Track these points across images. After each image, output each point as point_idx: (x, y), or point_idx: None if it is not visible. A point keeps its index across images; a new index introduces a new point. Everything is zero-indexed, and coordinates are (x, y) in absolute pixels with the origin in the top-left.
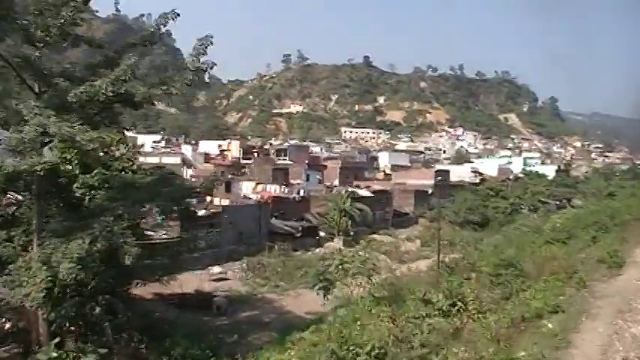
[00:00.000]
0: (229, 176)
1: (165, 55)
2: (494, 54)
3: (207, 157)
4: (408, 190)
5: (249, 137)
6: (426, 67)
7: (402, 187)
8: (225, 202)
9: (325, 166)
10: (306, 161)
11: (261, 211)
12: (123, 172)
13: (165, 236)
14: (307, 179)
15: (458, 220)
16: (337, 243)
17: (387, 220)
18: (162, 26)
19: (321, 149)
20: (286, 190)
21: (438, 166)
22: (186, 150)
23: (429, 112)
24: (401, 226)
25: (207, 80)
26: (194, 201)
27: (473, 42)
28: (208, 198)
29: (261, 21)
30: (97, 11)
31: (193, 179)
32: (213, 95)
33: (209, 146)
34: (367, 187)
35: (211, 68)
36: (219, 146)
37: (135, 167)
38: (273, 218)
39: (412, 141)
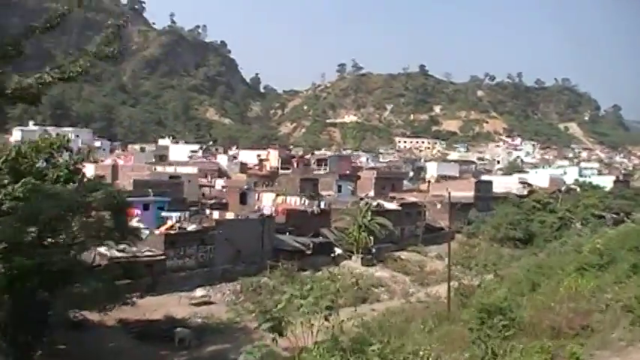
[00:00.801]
0: (245, 187)
1: (220, 65)
2: (554, 61)
3: (244, 167)
4: (445, 203)
5: (291, 147)
6: (484, 76)
7: (438, 199)
8: (230, 215)
9: (359, 177)
10: (347, 171)
11: (263, 226)
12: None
13: (148, 253)
14: (339, 190)
15: (497, 235)
16: (355, 261)
17: (417, 236)
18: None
19: (367, 159)
20: (307, 202)
21: (486, 177)
22: (222, 159)
23: (486, 122)
24: (434, 242)
25: (262, 90)
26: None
27: (532, 49)
28: (207, 211)
29: (316, 31)
30: (154, 23)
31: (224, 190)
32: (267, 105)
33: (249, 156)
34: (400, 199)
35: (116, 57)
36: (258, 156)
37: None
38: (287, 234)
39: (468, 151)
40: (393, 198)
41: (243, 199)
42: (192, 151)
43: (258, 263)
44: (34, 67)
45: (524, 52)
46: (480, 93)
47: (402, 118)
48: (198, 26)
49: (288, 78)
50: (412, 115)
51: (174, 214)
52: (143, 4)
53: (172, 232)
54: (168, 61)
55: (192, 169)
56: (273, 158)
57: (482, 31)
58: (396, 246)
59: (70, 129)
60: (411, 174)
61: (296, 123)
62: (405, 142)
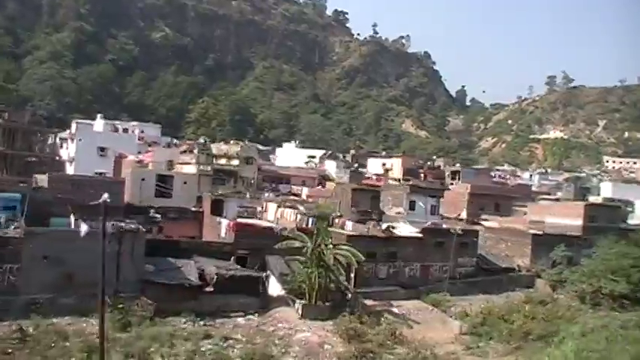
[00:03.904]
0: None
1: (423, 77)
2: None
3: (359, 176)
4: (522, 233)
5: (431, 159)
6: None
7: (536, 227)
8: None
9: (442, 191)
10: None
11: (120, 245)
12: None
13: None
14: (411, 208)
15: (589, 289)
16: (296, 309)
17: (453, 278)
18: None
19: (531, 177)
20: (298, 218)
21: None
22: (331, 167)
23: None
24: (491, 290)
25: (468, 103)
26: None
27: None
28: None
29: (525, 41)
30: (358, 34)
31: (310, 200)
32: (470, 119)
33: (376, 165)
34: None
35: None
36: (384, 165)
37: None
38: (232, 259)
39: None
40: (486, 220)
41: (216, 207)
42: (310, 157)
43: (110, 295)
44: (235, 76)
45: None
46: None
47: (614, 136)
48: (402, 37)
49: (495, 91)
50: (627, 133)
51: None
52: (346, 15)
53: None
54: (368, 72)
55: (193, 170)
56: (396, 168)
57: None
58: (408, 292)
59: (136, 123)
60: (559, 194)
61: (497, 138)
62: (614, 161)
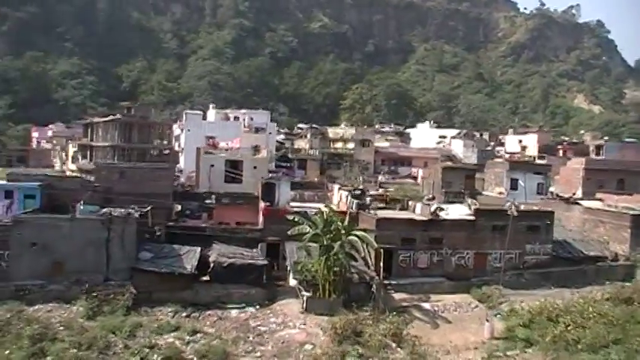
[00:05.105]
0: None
1: (596, 48)
2: None
3: (488, 154)
4: (620, 215)
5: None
6: None
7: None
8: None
9: (549, 167)
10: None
11: (110, 232)
12: None
13: None
14: (512, 187)
15: None
16: (298, 303)
17: (518, 269)
18: None
19: None
20: (348, 200)
21: None
22: (457, 146)
23: None
24: (571, 284)
25: None
26: None
27: None
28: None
29: None
30: (525, 8)
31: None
32: None
33: (513, 142)
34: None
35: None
36: (520, 142)
37: None
38: (259, 245)
39: None
40: (600, 200)
41: (267, 191)
42: (441, 137)
43: (96, 283)
44: (397, 61)
45: None
46: None
47: None
48: (571, 6)
49: None
50: None
51: None
52: None
53: None
54: (535, 47)
55: (264, 155)
56: (532, 144)
57: None
58: (456, 285)
59: (245, 111)
60: None
61: None
62: None
